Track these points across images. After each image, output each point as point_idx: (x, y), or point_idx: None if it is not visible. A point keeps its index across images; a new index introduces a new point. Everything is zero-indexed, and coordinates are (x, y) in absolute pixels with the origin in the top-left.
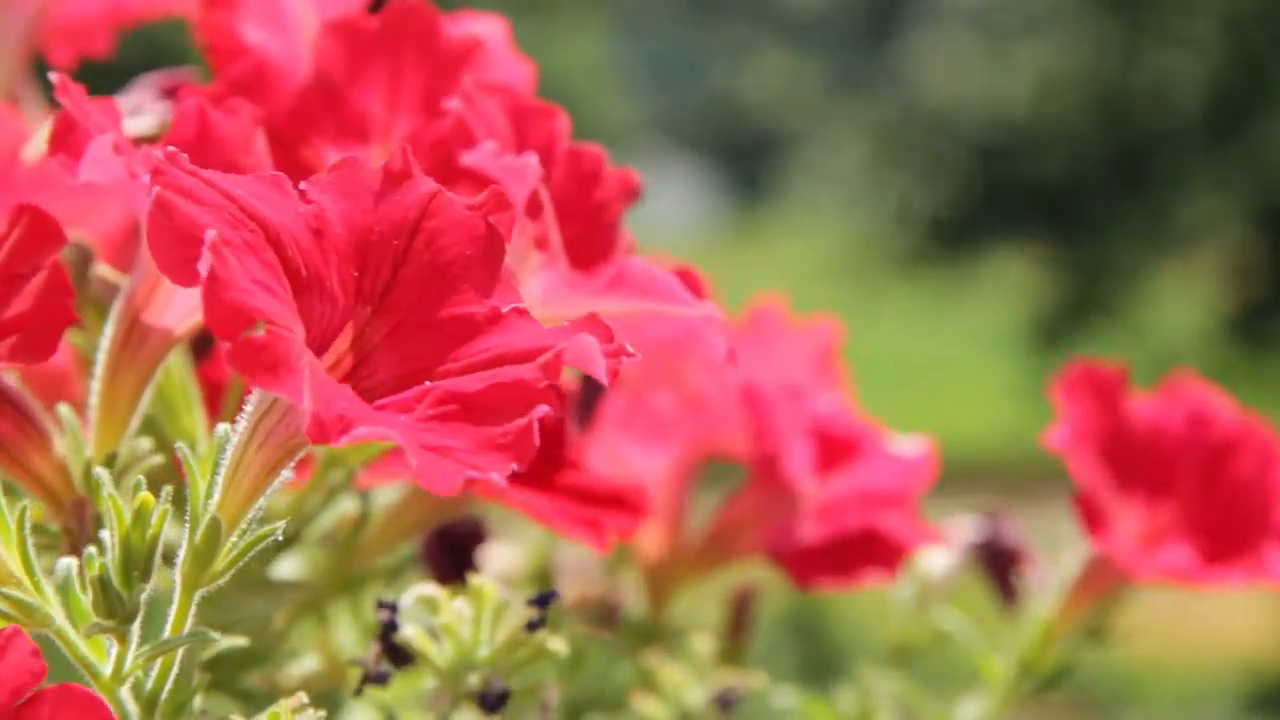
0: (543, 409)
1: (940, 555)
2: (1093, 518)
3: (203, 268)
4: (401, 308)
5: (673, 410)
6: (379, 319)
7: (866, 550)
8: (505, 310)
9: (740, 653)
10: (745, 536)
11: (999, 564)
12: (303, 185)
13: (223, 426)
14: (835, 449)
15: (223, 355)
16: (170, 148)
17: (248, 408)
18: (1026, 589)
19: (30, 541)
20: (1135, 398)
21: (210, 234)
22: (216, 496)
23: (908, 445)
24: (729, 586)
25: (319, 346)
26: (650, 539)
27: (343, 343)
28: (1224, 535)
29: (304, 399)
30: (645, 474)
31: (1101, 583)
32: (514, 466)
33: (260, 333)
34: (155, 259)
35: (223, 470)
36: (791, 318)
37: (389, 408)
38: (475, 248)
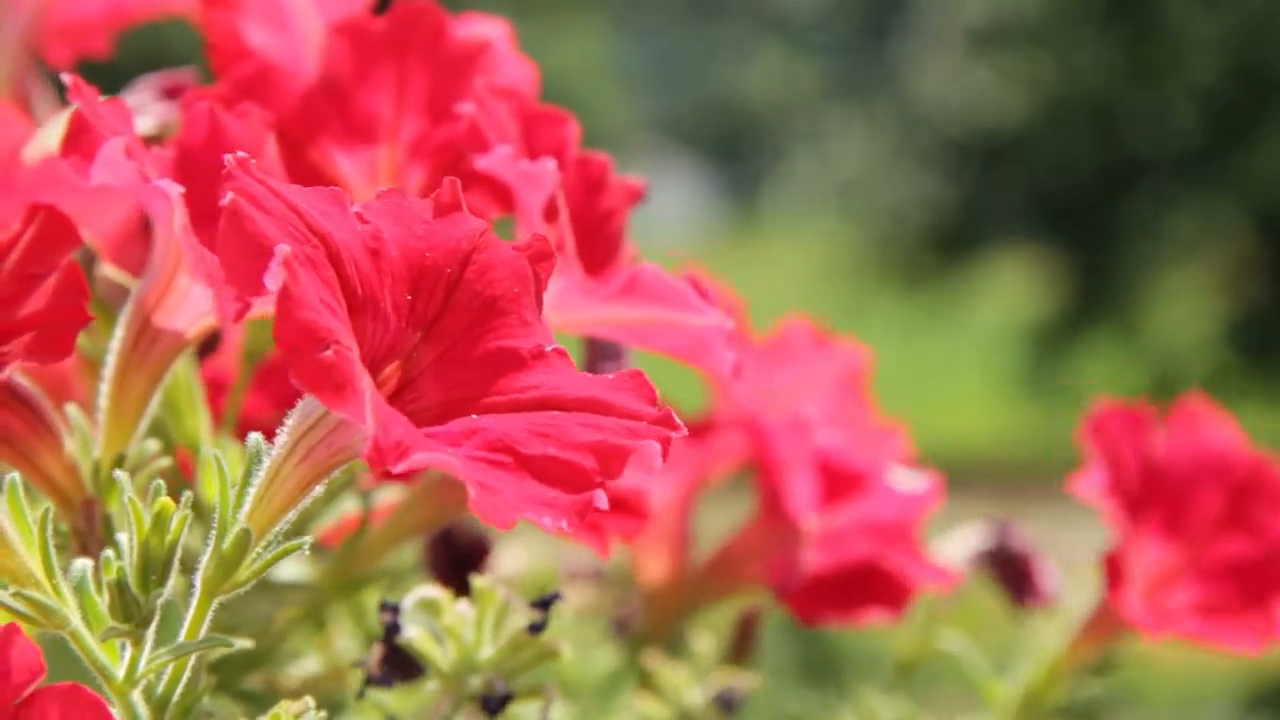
0: (599, 495)
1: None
2: (1114, 575)
3: (274, 283)
4: (451, 334)
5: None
6: (428, 344)
7: (870, 587)
8: (548, 349)
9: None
10: (750, 566)
11: (1009, 570)
12: (357, 207)
13: (254, 436)
14: (839, 482)
15: (287, 369)
16: (240, 153)
17: (290, 422)
18: (1051, 591)
19: (51, 544)
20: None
21: (283, 249)
22: (247, 507)
23: (911, 479)
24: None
25: (370, 366)
26: (655, 564)
27: (391, 364)
28: (1239, 581)
29: (366, 421)
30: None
31: (1110, 629)
32: (564, 525)
33: (328, 353)
34: (223, 267)
35: (256, 481)
36: (819, 336)
37: (438, 437)
38: (520, 285)
